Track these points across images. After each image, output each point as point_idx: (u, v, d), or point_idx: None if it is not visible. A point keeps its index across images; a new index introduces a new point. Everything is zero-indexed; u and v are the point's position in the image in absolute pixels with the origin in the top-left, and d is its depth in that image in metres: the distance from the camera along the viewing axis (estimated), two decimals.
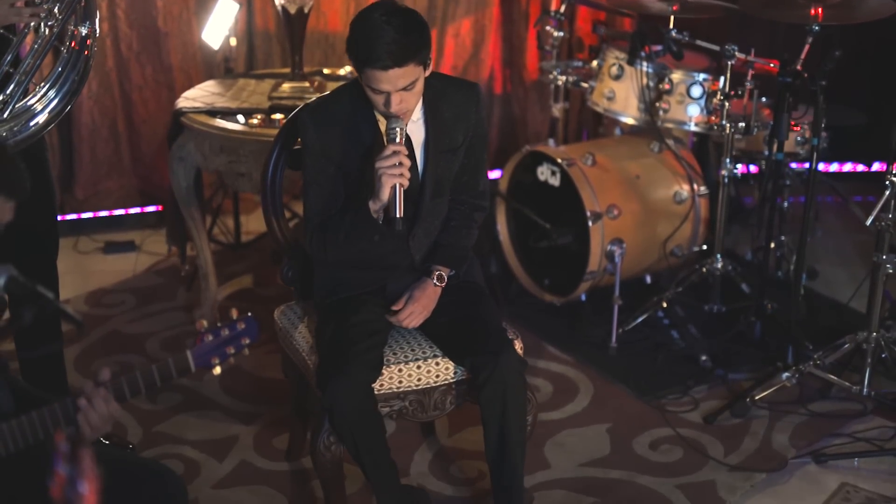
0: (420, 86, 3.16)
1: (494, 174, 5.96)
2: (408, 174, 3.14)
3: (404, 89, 3.10)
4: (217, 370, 2.71)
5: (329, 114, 3.28)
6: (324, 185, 3.30)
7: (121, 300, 4.99)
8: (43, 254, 3.53)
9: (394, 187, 3.13)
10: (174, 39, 5.48)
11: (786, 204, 4.85)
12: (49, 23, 3.20)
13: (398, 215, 3.14)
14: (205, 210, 4.96)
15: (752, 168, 5.44)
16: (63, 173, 5.54)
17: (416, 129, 3.30)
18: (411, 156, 3.29)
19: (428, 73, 3.19)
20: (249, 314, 2.73)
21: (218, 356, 2.69)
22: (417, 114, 3.29)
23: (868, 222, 3.90)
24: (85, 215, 5.63)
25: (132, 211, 5.73)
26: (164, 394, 4.25)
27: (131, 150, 5.62)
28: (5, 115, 3.22)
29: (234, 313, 2.73)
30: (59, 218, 3.69)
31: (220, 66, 5.36)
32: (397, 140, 3.14)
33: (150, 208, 5.75)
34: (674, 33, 4.48)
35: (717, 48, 4.39)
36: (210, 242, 4.93)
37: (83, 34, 3.29)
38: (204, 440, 4.00)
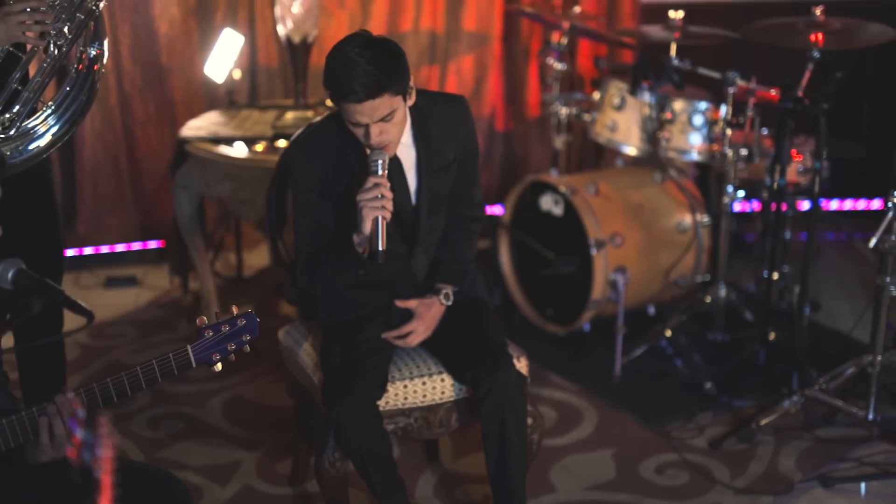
0: (400, 116, 3.15)
1: (497, 209, 5.98)
2: (390, 206, 3.12)
3: (382, 120, 3.09)
4: (218, 367, 2.69)
5: (317, 146, 3.28)
6: (313, 218, 3.31)
7: (122, 332, 4.98)
8: (49, 266, 3.52)
9: (375, 220, 3.11)
10: (177, 75, 5.50)
11: (788, 234, 4.86)
12: (58, 42, 3.21)
13: (380, 248, 3.12)
14: (207, 242, 4.97)
15: (755, 205, 5.46)
16: (65, 209, 5.54)
17: (406, 151, 3.30)
18: (403, 178, 3.31)
19: (410, 102, 3.19)
20: (250, 310, 2.71)
21: (219, 352, 2.67)
22: (407, 136, 3.29)
23: (872, 244, 3.91)
24: (86, 251, 5.63)
25: (134, 246, 5.73)
26: (165, 421, 4.24)
27: (133, 185, 5.63)
28: (12, 133, 3.22)
29: (235, 310, 2.71)
30: (62, 226, 3.68)
31: (223, 101, 5.38)
32: (379, 172, 3.13)
33: (152, 244, 5.74)
34: (675, 61, 4.51)
35: (718, 76, 4.42)
36: (212, 276, 4.93)
37: (91, 55, 3.30)
38: (206, 466, 3.97)
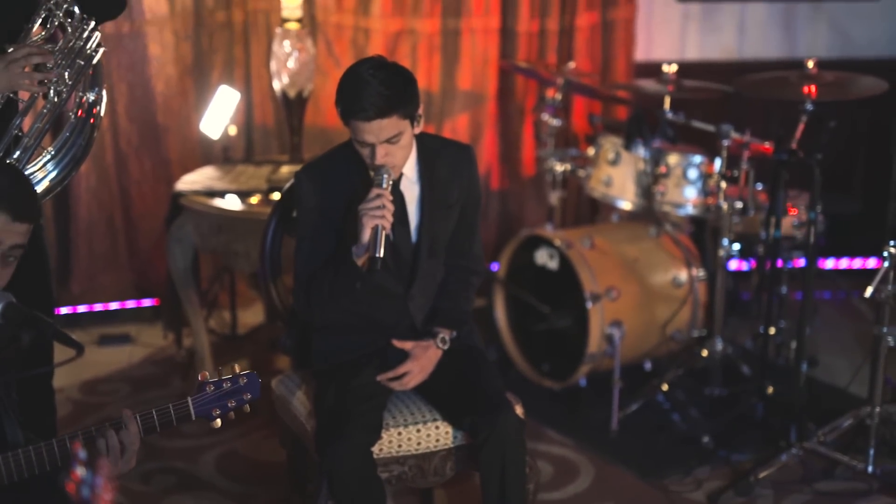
0: (406, 140, 3.20)
1: (492, 267, 5.97)
2: (390, 217, 3.14)
3: (388, 142, 3.14)
4: (217, 423, 2.70)
5: (324, 172, 3.33)
6: (315, 241, 3.32)
7: (115, 388, 4.95)
8: (38, 301, 3.49)
9: (375, 228, 3.11)
10: (173, 134, 5.52)
11: (784, 289, 4.85)
12: (59, 88, 3.22)
13: (378, 255, 3.10)
14: (202, 300, 4.94)
15: (751, 264, 5.45)
16: (59, 267, 5.52)
17: (411, 186, 3.33)
18: (406, 214, 3.33)
19: (417, 130, 3.25)
20: (253, 371, 2.72)
21: (219, 408, 2.68)
22: (412, 171, 3.33)
23: (868, 294, 3.90)
24: (80, 309, 5.61)
25: (128, 304, 5.71)
26: (158, 476, 4.19)
27: (128, 244, 5.62)
28: None
29: (237, 368, 2.72)
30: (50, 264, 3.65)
31: (219, 157, 5.39)
32: (384, 186, 3.16)
33: (146, 302, 5.72)
34: (669, 114, 4.53)
35: (712, 128, 4.44)
36: (207, 332, 4.90)
37: (90, 100, 3.31)
38: None
